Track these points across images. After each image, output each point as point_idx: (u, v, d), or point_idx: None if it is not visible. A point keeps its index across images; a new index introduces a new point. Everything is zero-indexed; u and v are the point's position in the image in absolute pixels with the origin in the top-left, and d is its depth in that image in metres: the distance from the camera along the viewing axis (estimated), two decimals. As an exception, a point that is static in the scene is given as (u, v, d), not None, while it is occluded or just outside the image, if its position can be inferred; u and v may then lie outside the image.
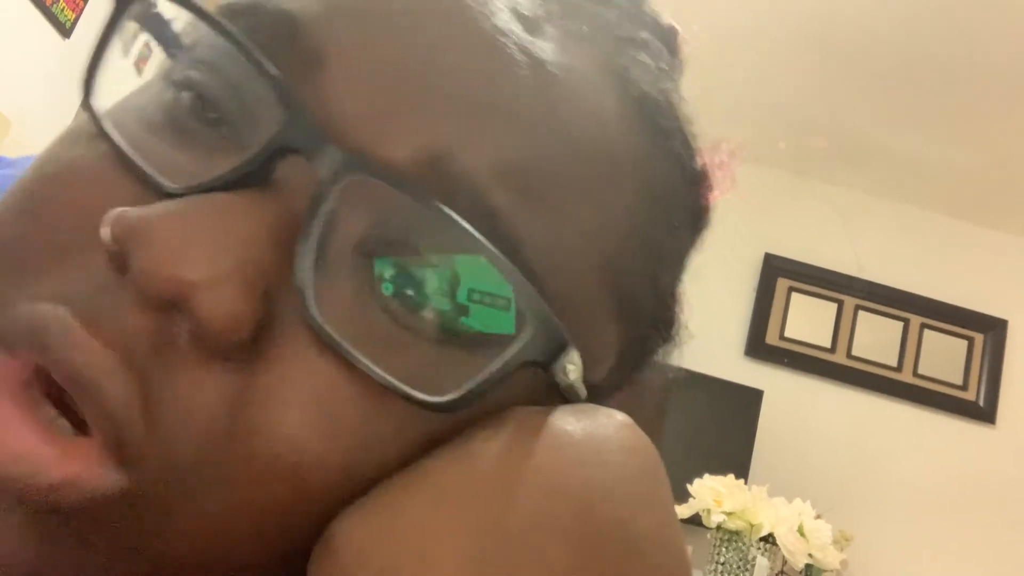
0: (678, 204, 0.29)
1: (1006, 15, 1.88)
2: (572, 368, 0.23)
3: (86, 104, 0.23)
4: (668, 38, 0.31)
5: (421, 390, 0.21)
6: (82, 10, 1.83)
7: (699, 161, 0.30)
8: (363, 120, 0.22)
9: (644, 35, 0.29)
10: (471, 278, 0.22)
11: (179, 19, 0.24)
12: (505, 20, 0.24)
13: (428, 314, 0.22)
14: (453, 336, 0.22)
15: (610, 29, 0.28)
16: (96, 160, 0.22)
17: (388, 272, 0.22)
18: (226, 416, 0.20)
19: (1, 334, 0.20)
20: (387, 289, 0.21)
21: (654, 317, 0.29)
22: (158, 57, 0.25)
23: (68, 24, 1.80)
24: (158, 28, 0.25)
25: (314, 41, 0.22)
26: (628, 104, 0.27)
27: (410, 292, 0.22)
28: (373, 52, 0.22)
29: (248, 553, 0.21)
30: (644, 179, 0.27)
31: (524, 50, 0.24)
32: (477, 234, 0.21)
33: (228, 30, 0.22)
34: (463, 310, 0.22)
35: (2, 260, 0.21)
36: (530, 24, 0.25)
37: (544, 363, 0.22)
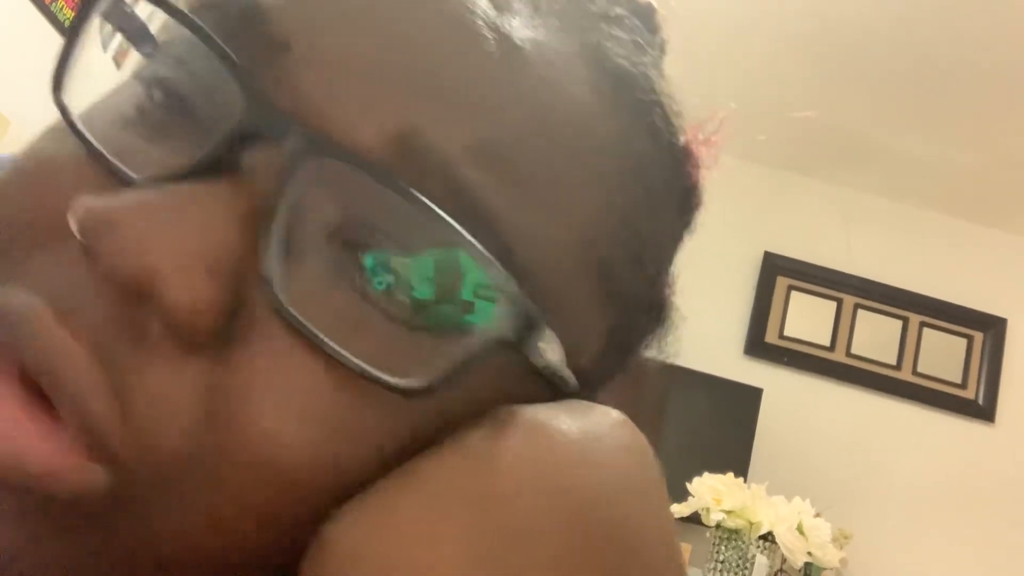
0: (661, 182, 0.28)
1: (1006, 15, 1.88)
2: (547, 348, 0.22)
3: (55, 99, 0.23)
4: (645, 14, 0.30)
5: (393, 374, 0.20)
6: (81, 9, 1.83)
7: (682, 138, 0.30)
8: (328, 102, 0.21)
9: (618, 11, 0.28)
10: (440, 259, 0.21)
11: (151, 16, 0.24)
12: None
13: (398, 296, 0.21)
14: (424, 319, 0.21)
15: (582, 4, 0.27)
16: (67, 154, 0.22)
17: (359, 257, 0.21)
18: (202, 408, 0.20)
19: None
20: (358, 272, 0.21)
21: (643, 299, 0.28)
22: (135, 50, 0.25)
23: (68, 23, 1.80)
24: (128, 25, 0.25)
25: (278, 26, 0.22)
26: (603, 79, 0.26)
27: (380, 275, 0.21)
28: (337, 34, 0.22)
29: (236, 550, 0.21)
30: (622, 155, 0.26)
31: (492, 26, 0.23)
32: (437, 209, 0.21)
33: (190, 20, 0.21)
34: (433, 291, 0.21)
35: None
36: (498, 1, 0.24)
37: (515, 342, 0.22)
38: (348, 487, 0.20)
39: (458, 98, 0.22)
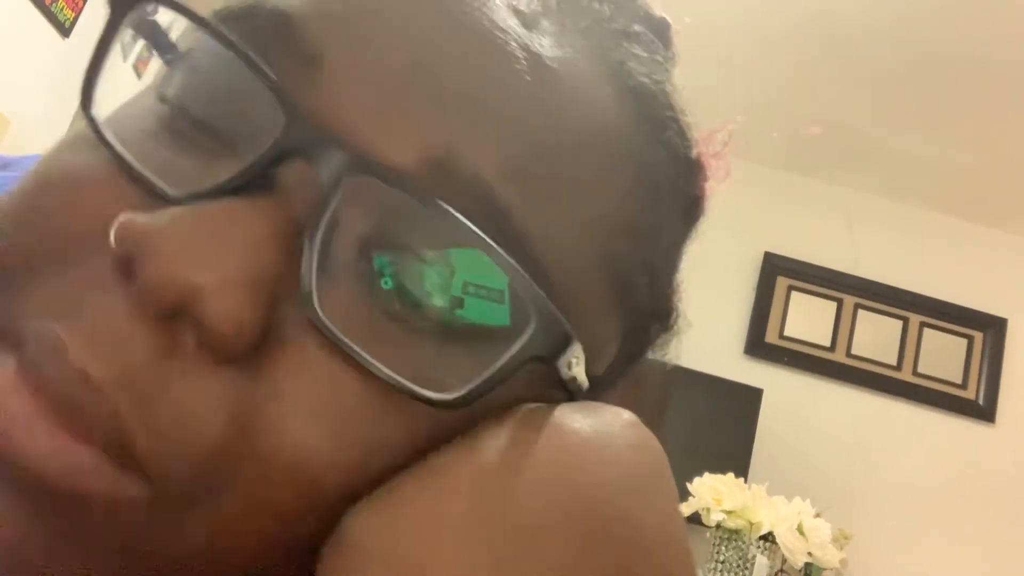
0: (674, 193, 0.29)
1: (1006, 14, 1.88)
2: (575, 362, 0.23)
3: (86, 114, 0.23)
4: (660, 30, 0.31)
5: (426, 388, 0.21)
6: (81, 9, 1.83)
7: (694, 151, 0.31)
8: (363, 122, 0.22)
9: (637, 28, 0.29)
10: (473, 275, 0.22)
11: (175, 25, 0.24)
12: (503, 16, 0.24)
13: (430, 311, 0.22)
14: (455, 333, 0.22)
15: (605, 22, 0.28)
16: (98, 167, 0.22)
17: (389, 271, 0.22)
18: (233, 421, 0.20)
19: (4, 333, 0.20)
20: (386, 285, 0.22)
21: (652, 307, 0.29)
22: (158, 60, 0.25)
23: (67, 23, 1.80)
24: (154, 35, 0.25)
25: (311, 42, 0.22)
26: (624, 95, 0.27)
27: (411, 290, 0.22)
28: (370, 52, 0.22)
29: (256, 553, 0.21)
30: (641, 169, 0.27)
31: (523, 46, 0.24)
32: (481, 233, 0.21)
33: (225, 36, 0.22)
34: (463, 306, 0.22)
35: (3, 265, 0.21)
36: (527, 19, 0.25)
37: (549, 358, 0.22)
38: (369, 488, 0.21)
39: (492, 118, 0.23)
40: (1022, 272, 2.57)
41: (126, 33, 0.24)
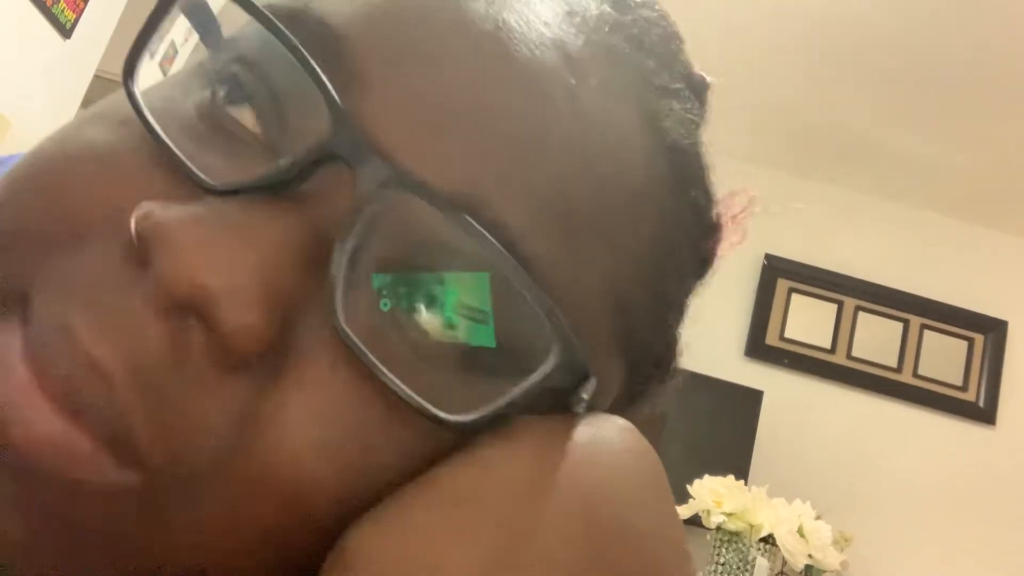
0: (691, 251, 0.30)
1: (1006, 15, 1.88)
2: (586, 397, 0.23)
3: (127, 88, 0.22)
4: (699, 88, 0.31)
5: (438, 407, 0.21)
6: (82, 11, 1.83)
7: (715, 212, 0.31)
8: (405, 144, 0.21)
9: (678, 85, 0.29)
10: (496, 304, 0.22)
11: (223, 14, 0.24)
12: (552, 59, 0.24)
13: (448, 337, 0.22)
14: (473, 359, 0.22)
15: (649, 77, 0.28)
16: (125, 146, 0.22)
17: (410, 293, 0.22)
18: (235, 429, 0.20)
19: (9, 295, 0.20)
20: (385, 307, 0.21)
21: (655, 356, 0.29)
22: (183, 57, 0.25)
23: (68, 25, 1.80)
24: (203, 20, 0.24)
25: (358, 61, 0.22)
26: (659, 151, 0.27)
27: (433, 314, 0.21)
28: (417, 80, 0.22)
29: (247, 566, 0.21)
30: (665, 226, 0.27)
31: (568, 93, 0.24)
32: (518, 264, 0.21)
33: (289, 38, 0.21)
34: (484, 334, 0.22)
35: (15, 234, 0.21)
36: (576, 66, 0.25)
37: (565, 391, 0.22)
38: (363, 509, 0.21)
39: (527, 162, 0.23)
40: (1022, 274, 2.57)
41: (172, 16, 0.23)
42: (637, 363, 0.28)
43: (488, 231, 0.21)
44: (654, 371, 0.30)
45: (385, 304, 0.21)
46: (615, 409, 0.28)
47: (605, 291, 0.25)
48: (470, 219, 0.21)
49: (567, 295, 0.23)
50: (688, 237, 0.29)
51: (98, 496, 0.19)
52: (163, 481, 0.19)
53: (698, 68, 0.31)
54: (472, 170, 0.22)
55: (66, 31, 1.80)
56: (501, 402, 0.21)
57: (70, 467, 0.19)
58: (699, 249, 0.30)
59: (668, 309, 0.29)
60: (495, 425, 0.22)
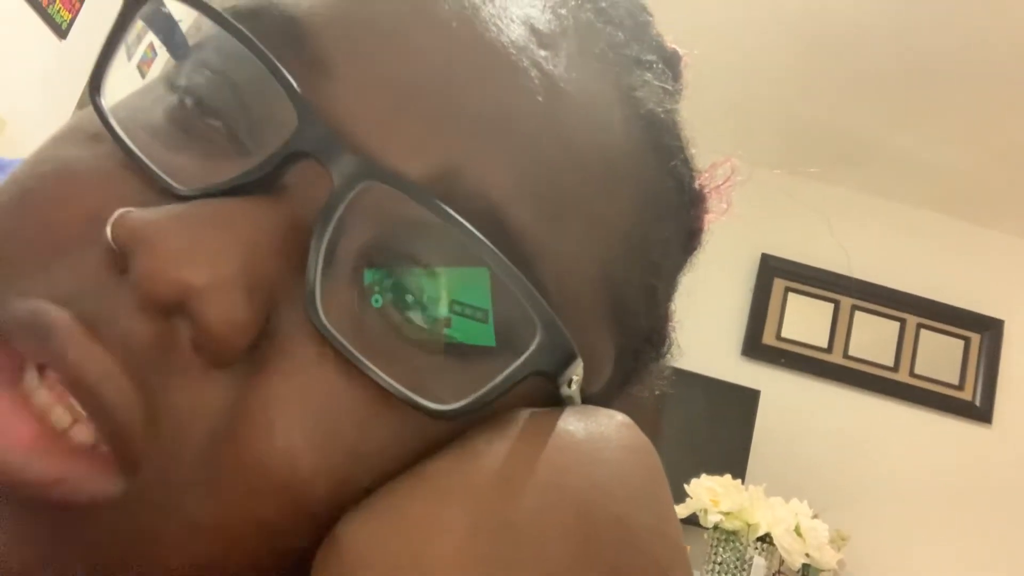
0: (676, 221, 0.29)
1: (1003, 13, 1.88)
2: (575, 380, 0.23)
3: (94, 102, 0.22)
4: (672, 61, 0.31)
5: (422, 397, 0.21)
6: (78, 11, 1.83)
7: (698, 182, 0.31)
8: (374, 131, 0.22)
9: (650, 56, 0.29)
10: (476, 290, 0.22)
11: (186, 21, 0.24)
12: (520, 34, 0.24)
13: (427, 325, 0.22)
14: (452, 347, 0.22)
15: (619, 49, 0.28)
16: (98, 159, 0.22)
17: (388, 283, 0.21)
18: (224, 425, 0.20)
19: None
20: (382, 299, 0.21)
21: (648, 330, 0.29)
22: (162, 59, 0.25)
23: (64, 25, 1.79)
24: (165, 29, 0.24)
25: (322, 49, 0.22)
26: (635, 122, 0.27)
27: (411, 303, 0.21)
28: (384, 63, 0.22)
29: (241, 561, 0.21)
30: (646, 195, 0.27)
31: (537, 65, 0.24)
32: (493, 247, 0.21)
33: (243, 33, 0.21)
34: (464, 321, 0.22)
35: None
36: (543, 39, 0.25)
37: (551, 374, 0.22)
38: (356, 499, 0.21)
39: (502, 137, 0.23)
40: (1019, 274, 2.58)
41: (134, 29, 0.23)
42: (628, 338, 0.28)
43: (469, 201, 0.21)
44: (646, 347, 0.30)
45: (376, 300, 0.21)
46: (609, 390, 0.28)
47: (590, 264, 0.25)
48: (441, 204, 0.21)
49: (552, 267, 0.23)
50: (672, 207, 0.29)
51: (87, 505, 0.19)
52: (152, 483, 0.19)
53: (670, 42, 0.31)
54: (445, 149, 0.22)
55: (62, 31, 1.79)
56: (488, 388, 0.21)
57: (58, 478, 0.19)
58: (684, 219, 0.30)
59: (657, 281, 0.29)
60: (490, 414, 0.22)
